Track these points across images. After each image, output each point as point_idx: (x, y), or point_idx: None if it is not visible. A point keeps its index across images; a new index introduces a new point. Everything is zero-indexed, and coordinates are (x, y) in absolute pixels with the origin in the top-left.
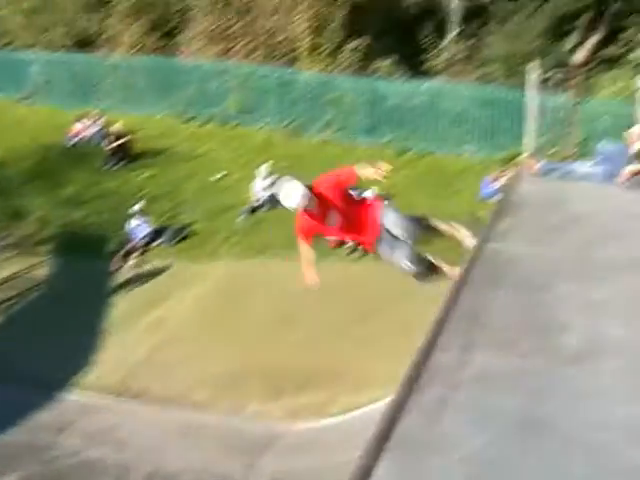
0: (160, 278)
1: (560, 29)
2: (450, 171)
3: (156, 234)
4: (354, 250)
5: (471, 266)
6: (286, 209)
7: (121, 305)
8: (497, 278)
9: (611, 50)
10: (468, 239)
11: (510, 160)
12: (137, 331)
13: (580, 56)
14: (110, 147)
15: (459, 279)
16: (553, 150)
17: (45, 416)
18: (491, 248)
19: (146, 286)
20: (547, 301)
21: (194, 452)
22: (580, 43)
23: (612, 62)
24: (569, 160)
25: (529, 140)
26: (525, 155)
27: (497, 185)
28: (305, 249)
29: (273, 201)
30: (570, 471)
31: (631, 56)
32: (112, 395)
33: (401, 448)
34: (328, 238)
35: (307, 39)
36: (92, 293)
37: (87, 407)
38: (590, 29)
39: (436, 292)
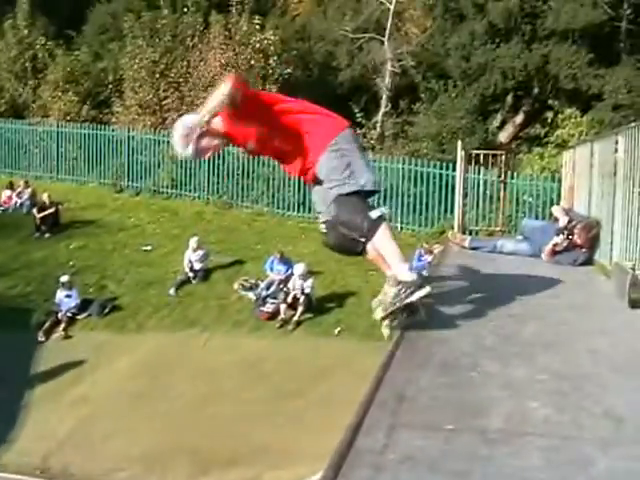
0: (86, 351)
1: (486, 108)
2: None
3: (83, 306)
4: (284, 324)
5: (399, 344)
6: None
7: (45, 379)
8: (424, 357)
9: (535, 129)
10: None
11: (440, 234)
12: (60, 406)
13: (506, 134)
14: (39, 216)
15: (384, 360)
16: (481, 225)
17: None
18: (418, 327)
19: (71, 359)
20: (472, 381)
21: None
22: (505, 122)
23: (536, 140)
24: (496, 235)
25: (458, 215)
26: (453, 230)
27: (429, 258)
28: None
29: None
30: None
31: (554, 135)
32: (32, 474)
33: None
34: (260, 310)
35: None
36: (15, 366)
37: None
38: (514, 109)
39: (363, 369)
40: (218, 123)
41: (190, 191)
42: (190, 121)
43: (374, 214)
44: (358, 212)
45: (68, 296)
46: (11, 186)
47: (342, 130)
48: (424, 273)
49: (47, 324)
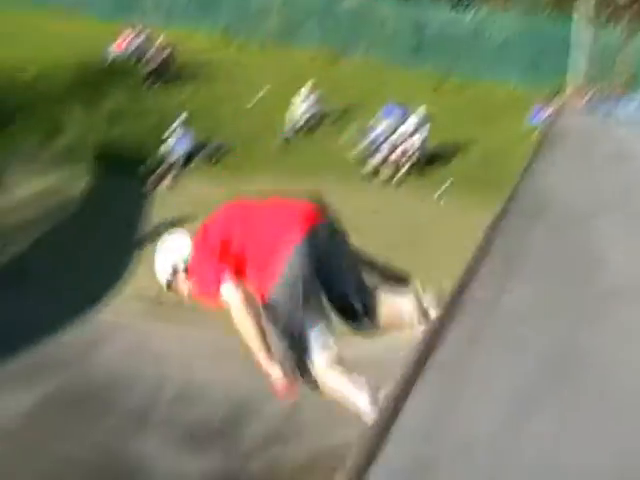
0: (195, 199)
1: None
2: (493, 100)
3: (196, 150)
4: (390, 178)
5: (510, 200)
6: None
7: (154, 226)
8: (535, 213)
9: None
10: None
11: (556, 92)
12: None
13: None
14: (151, 62)
15: (498, 214)
16: (600, 85)
17: (75, 332)
18: (531, 183)
19: (180, 208)
20: (586, 238)
21: (225, 368)
22: None
23: None
24: (616, 96)
25: (575, 73)
26: (571, 88)
27: (545, 115)
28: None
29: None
30: (606, 410)
31: None
32: (144, 313)
33: (437, 375)
34: (367, 161)
35: None
36: (125, 212)
37: (119, 324)
38: None
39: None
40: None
41: (302, 39)
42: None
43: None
44: None
45: (182, 138)
46: (124, 31)
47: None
48: (538, 130)
49: (157, 172)
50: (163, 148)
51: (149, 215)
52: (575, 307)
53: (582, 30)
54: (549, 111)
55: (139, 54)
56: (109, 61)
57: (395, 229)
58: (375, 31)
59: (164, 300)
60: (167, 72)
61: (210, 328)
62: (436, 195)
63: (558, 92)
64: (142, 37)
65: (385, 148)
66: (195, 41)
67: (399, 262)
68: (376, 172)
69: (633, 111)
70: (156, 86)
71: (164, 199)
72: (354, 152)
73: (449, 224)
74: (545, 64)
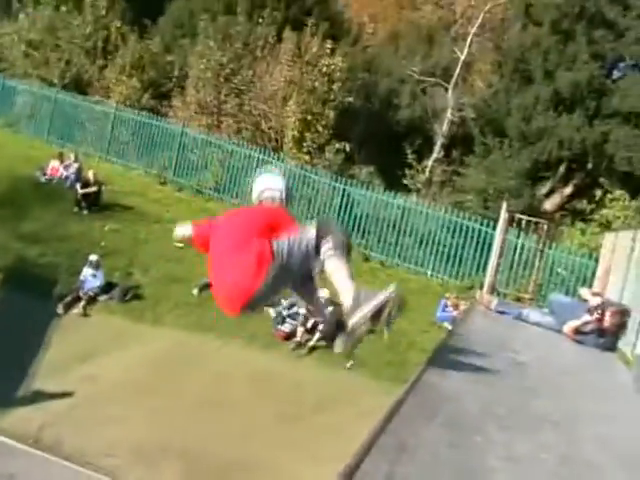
0: (101, 333)
1: (537, 174)
2: (409, 287)
3: (106, 288)
4: (298, 347)
5: (406, 396)
6: None
7: (55, 352)
8: (431, 412)
9: (581, 204)
10: None
11: (468, 289)
12: (65, 381)
13: (552, 203)
14: (81, 192)
15: (392, 407)
16: (511, 289)
17: None
18: (430, 381)
19: (85, 338)
20: (475, 445)
21: None
22: (553, 191)
23: (581, 215)
24: (524, 302)
25: (489, 274)
26: (483, 290)
27: (454, 312)
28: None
29: None
30: None
31: (599, 213)
32: (21, 443)
33: None
34: (277, 328)
35: (294, 131)
36: (29, 332)
37: None
38: (565, 180)
39: (368, 407)
40: None
41: (232, 196)
42: None
43: None
44: None
45: (93, 275)
46: (60, 157)
47: None
48: (447, 325)
49: (68, 298)
50: (77, 278)
51: (51, 339)
52: None
53: (502, 235)
54: (460, 309)
55: (71, 182)
56: (41, 182)
57: (298, 398)
58: (305, 202)
59: (43, 437)
60: (96, 204)
61: (89, 469)
62: (348, 365)
63: (473, 288)
64: (77, 166)
65: (294, 318)
66: (130, 179)
67: (303, 427)
68: (286, 339)
69: (538, 319)
70: (83, 214)
71: (74, 324)
72: (264, 316)
73: (349, 401)
74: (464, 261)
